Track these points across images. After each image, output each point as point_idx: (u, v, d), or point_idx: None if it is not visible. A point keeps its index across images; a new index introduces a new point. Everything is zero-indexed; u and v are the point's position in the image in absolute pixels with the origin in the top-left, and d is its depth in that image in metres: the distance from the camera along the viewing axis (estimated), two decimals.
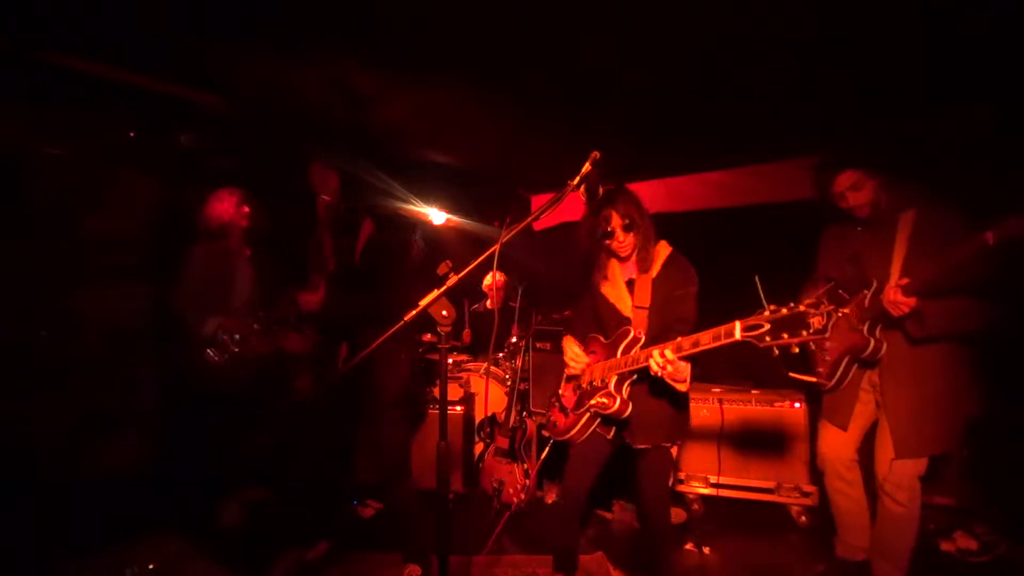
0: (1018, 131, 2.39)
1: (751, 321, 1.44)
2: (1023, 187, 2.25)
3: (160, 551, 2.22)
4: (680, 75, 2.39)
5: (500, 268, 1.44)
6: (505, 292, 4.10)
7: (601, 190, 1.58)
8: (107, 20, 2.02)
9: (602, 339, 2.06)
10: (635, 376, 1.87)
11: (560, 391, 2.18)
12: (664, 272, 1.94)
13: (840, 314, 1.26)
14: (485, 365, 3.58)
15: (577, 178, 1.48)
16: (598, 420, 1.98)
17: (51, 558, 2.11)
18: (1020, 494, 2.51)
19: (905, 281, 1.85)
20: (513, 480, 2.98)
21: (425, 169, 3.74)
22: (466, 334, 3.96)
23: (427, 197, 3.82)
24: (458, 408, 3.31)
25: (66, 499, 2.21)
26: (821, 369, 2.18)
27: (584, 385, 2.02)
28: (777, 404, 2.95)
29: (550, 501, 3.18)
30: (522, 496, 2.98)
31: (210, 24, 2.05)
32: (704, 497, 3.06)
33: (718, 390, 3.11)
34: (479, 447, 3.39)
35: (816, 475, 2.93)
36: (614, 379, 1.89)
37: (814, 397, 2.86)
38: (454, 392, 3.48)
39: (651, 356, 1.67)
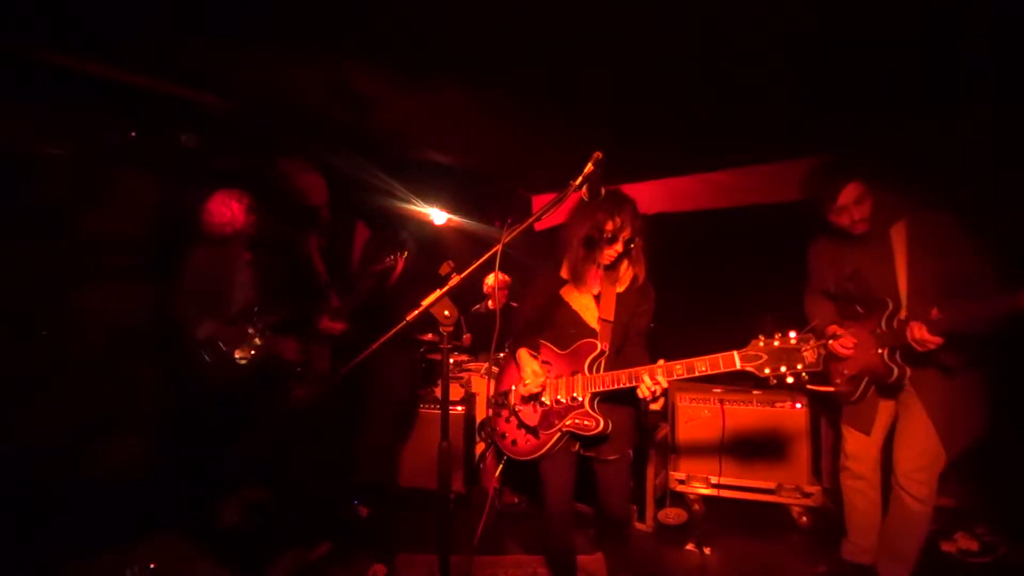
0: (1014, 133, 2.39)
1: (749, 352, 1.54)
2: (1019, 189, 2.26)
3: (160, 551, 2.22)
4: (680, 75, 2.39)
5: (501, 269, 1.44)
6: (507, 292, 4.09)
7: (603, 191, 1.58)
8: (107, 20, 2.02)
9: (556, 349, 1.95)
10: (608, 394, 1.81)
11: (514, 405, 1.98)
12: (629, 289, 1.92)
13: (827, 347, 1.40)
14: (486, 365, 3.58)
15: (579, 178, 1.47)
16: (568, 437, 1.88)
17: (51, 558, 2.11)
18: (1021, 495, 2.51)
19: (936, 316, 1.79)
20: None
21: (425, 169, 3.74)
22: (467, 338, 3.96)
23: (427, 197, 3.82)
24: (459, 408, 3.30)
25: (66, 499, 2.20)
26: (839, 380, 2.17)
27: (549, 402, 1.88)
28: (778, 405, 2.95)
29: None
30: (524, 495, 2.98)
31: (210, 24, 2.05)
32: (705, 498, 3.06)
33: (719, 390, 3.11)
34: (480, 447, 3.39)
35: (818, 476, 2.94)
36: (588, 397, 1.81)
37: (822, 400, 2.85)
38: (455, 392, 3.48)
39: (641, 380, 1.68)
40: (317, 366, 2.52)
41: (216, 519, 2.55)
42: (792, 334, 1.49)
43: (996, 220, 1.85)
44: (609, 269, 1.90)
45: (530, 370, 1.89)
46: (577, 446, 1.92)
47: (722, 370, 1.57)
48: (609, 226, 1.80)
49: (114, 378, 2.47)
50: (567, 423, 1.82)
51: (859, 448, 2.22)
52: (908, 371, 1.96)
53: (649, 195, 3.96)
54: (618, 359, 1.90)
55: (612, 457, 1.89)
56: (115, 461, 2.39)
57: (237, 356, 2.51)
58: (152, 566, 2.14)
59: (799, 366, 1.46)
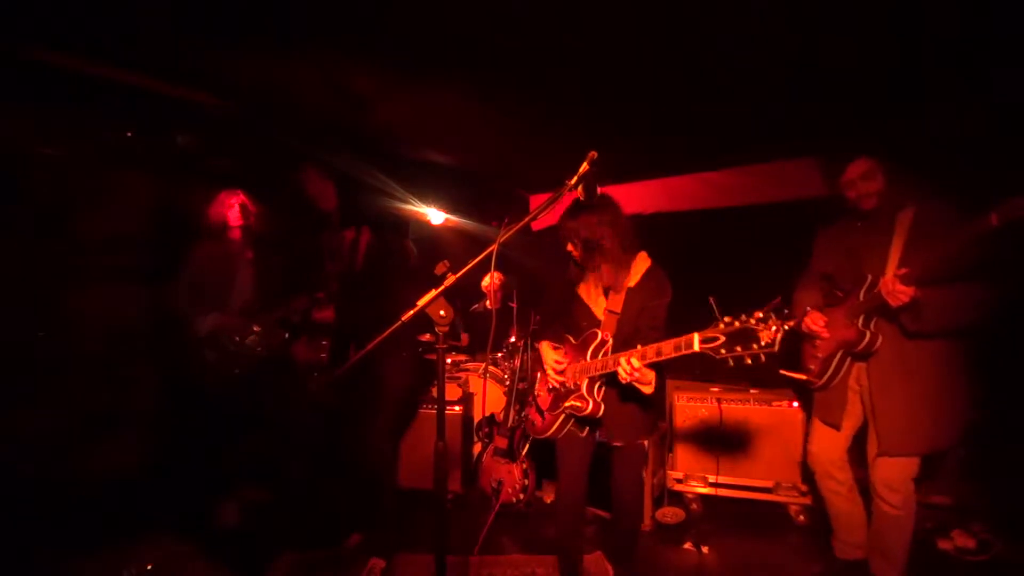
0: (1018, 132, 2.39)
1: (708, 333, 1.53)
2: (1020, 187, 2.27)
3: (160, 551, 2.22)
4: (680, 74, 2.40)
5: (498, 268, 1.47)
6: (503, 292, 4.09)
7: (598, 190, 1.59)
8: (107, 20, 2.02)
9: (572, 339, 2.11)
10: (604, 379, 1.96)
11: (536, 391, 2.22)
12: (642, 283, 2.00)
13: (787, 328, 1.41)
14: (483, 365, 3.58)
15: (575, 178, 1.48)
16: (572, 420, 2.05)
17: (51, 558, 2.11)
18: (1017, 493, 2.52)
19: (904, 271, 1.83)
20: (512, 480, 2.98)
21: (424, 169, 3.74)
22: (464, 338, 3.96)
23: (426, 197, 3.82)
24: (456, 408, 3.31)
25: (66, 499, 2.21)
26: (812, 366, 2.18)
27: (558, 387, 2.08)
28: (775, 403, 2.96)
29: (549, 501, 3.18)
30: (520, 496, 2.98)
31: (209, 23, 2.05)
32: (703, 496, 3.06)
33: (716, 389, 3.11)
34: (477, 447, 3.40)
35: (809, 475, 2.94)
36: (585, 382, 1.96)
37: (806, 395, 2.86)
38: (452, 392, 3.48)
39: (619, 364, 1.76)
40: (310, 355, 2.62)
41: (215, 519, 2.56)
42: (758, 314, 1.46)
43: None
44: (588, 268, 2.04)
45: (551, 360, 2.09)
46: (586, 431, 2.06)
47: (684, 352, 1.60)
48: (562, 238, 2.03)
49: (113, 378, 2.48)
50: (565, 405, 2.01)
51: (823, 447, 2.22)
52: (879, 338, 1.98)
53: (649, 195, 3.97)
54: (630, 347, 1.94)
55: (618, 444, 2.03)
56: (115, 461, 2.40)
57: (241, 349, 2.53)
58: (151, 566, 2.14)
59: (755, 346, 1.43)
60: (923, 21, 1.92)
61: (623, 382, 1.77)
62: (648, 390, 1.83)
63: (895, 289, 1.84)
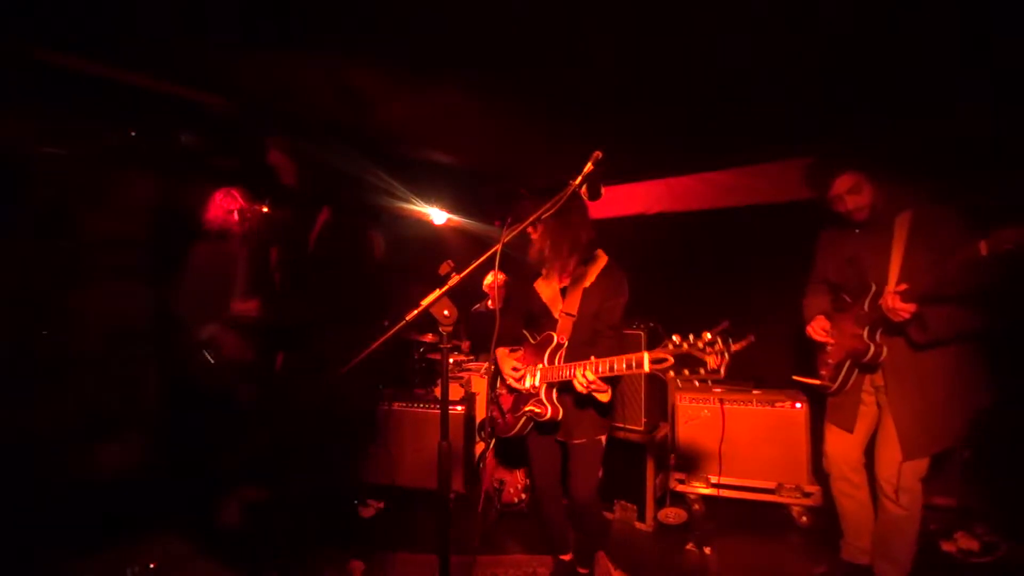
0: (1017, 132, 2.39)
1: (657, 354, 1.56)
2: (1021, 188, 2.26)
3: (160, 551, 2.22)
4: (681, 75, 2.39)
5: (501, 268, 1.46)
6: (506, 291, 4.09)
7: (602, 190, 1.58)
8: (107, 20, 2.02)
9: (530, 339, 2.12)
10: (561, 384, 1.96)
11: (498, 391, 2.22)
12: (598, 282, 2.00)
13: (732, 351, 1.44)
14: (486, 365, 3.57)
15: (579, 178, 1.48)
16: (532, 423, 2.07)
17: (51, 558, 2.10)
18: (1021, 494, 2.51)
19: (904, 287, 1.84)
20: (514, 480, 2.98)
21: (426, 168, 3.74)
22: (466, 345, 3.95)
23: (428, 197, 3.82)
24: (459, 408, 3.31)
25: (66, 499, 2.20)
26: (824, 372, 2.18)
27: (520, 389, 2.08)
28: (778, 404, 2.95)
29: None
30: (523, 496, 2.98)
31: (210, 24, 2.05)
32: (705, 497, 3.05)
33: (719, 390, 3.10)
34: (480, 447, 3.39)
35: (819, 476, 2.93)
36: (543, 387, 1.97)
37: (818, 399, 2.85)
38: (455, 392, 3.48)
39: (575, 375, 1.80)
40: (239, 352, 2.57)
41: (216, 519, 2.55)
42: (706, 335, 1.48)
43: (995, 219, 1.84)
44: (559, 268, 2.04)
45: (508, 367, 2.09)
46: (548, 434, 2.08)
47: (635, 371, 1.63)
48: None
49: (114, 378, 2.47)
50: (525, 408, 2.01)
51: (839, 450, 2.21)
52: (884, 350, 1.98)
53: (649, 195, 3.97)
54: (587, 351, 1.93)
55: (578, 441, 2.04)
56: (115, 461, 2.40)
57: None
58: (153, 566, 2.14)
59: (701, 370, 1.48)
60: (922, 21, 1.92)
61: (580, 392, 1.80)
62: (604, 398, 1.84)
63: (896, 307, 1.85)
